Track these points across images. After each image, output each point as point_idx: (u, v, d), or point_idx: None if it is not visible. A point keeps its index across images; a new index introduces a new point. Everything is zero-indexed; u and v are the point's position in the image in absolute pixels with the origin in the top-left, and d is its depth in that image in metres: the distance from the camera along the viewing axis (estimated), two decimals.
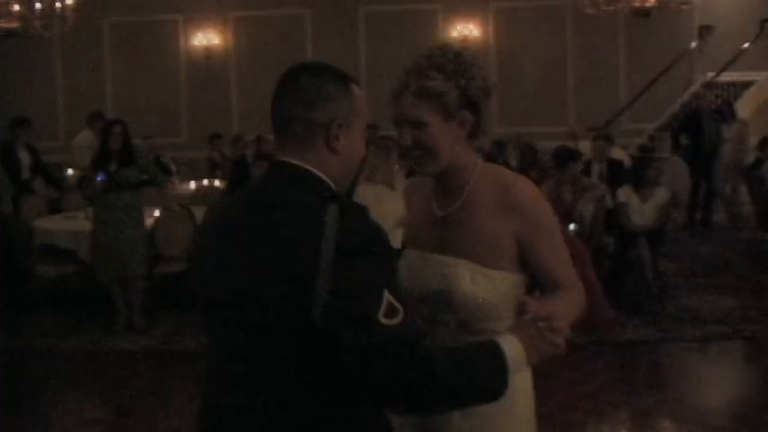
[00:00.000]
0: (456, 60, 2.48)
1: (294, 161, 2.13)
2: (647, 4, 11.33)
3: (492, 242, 2.52)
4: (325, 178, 2.12)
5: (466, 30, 17.91)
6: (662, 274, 9.24)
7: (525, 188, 2.55)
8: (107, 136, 8.22)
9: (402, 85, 2.50)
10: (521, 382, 2.57)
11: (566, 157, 8.44)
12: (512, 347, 2.17)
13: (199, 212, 8.64)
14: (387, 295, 1.94)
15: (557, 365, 6.79)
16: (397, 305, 1.96)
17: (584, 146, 11.38)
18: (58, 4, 12.79)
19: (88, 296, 9.15)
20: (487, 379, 2.12)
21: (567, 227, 8.18)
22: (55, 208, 10.80)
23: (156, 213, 8.84)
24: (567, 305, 2.51)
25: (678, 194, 12.34)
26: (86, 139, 11.68)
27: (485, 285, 2.49)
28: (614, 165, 10.18)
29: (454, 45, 2.61)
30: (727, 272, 10.30)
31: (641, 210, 8.83)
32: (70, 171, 13.01)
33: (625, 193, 8.97)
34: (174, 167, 13.96)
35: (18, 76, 17.92)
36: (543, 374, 6.54)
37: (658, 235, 9.00)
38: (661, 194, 8.94)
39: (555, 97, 17.98)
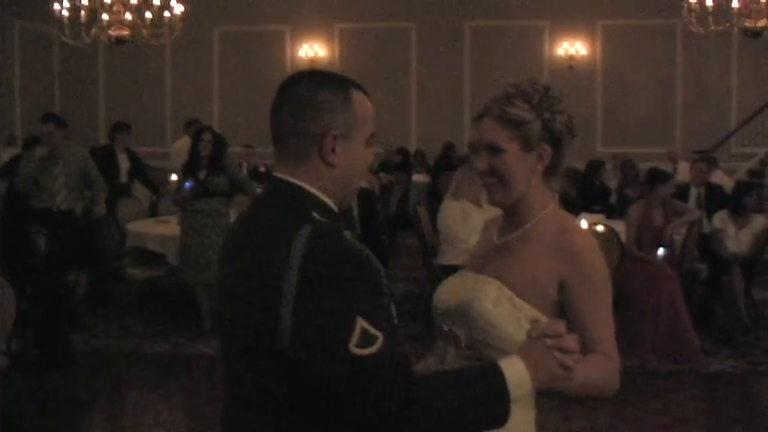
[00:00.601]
0: (544, 93, 2.43)
1: (285, 176, 2.07)
2: (759, 25, 10.90)
3: (535, 280, 2.39)
4: (315, 193, 2.05)
5: (572, 48, 17.71)
6: (757, 304, 8.88)
7: (584, 238, 2.45)
8: (197, 143, 8.35)
9: (485, 108, 2.44)
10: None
11: (653, 178, 8.19)
12: (514, 369, 2.01)
13: None
14: (360, 323, 1.84)
15: (635, 393, 6.71)
16: (374, 331, 1.85)
17: (685, 168, 11.08)
18: (166, 14, 13.04)
19: (175, 300, 9.31)
20: (485, 404, 1.97)
21: (656, 251, 7.97)
22: (154, 212, 11.01)
23: None
24: (594, 365, 2.30)
25: None
26: (184, 144, 11.88)
27: (507, 310, 2.34)
28: (713, 189, 9.86)
29: (544, 82, 2.51)
30: None
31: (737, 237, 8.55)
32: (174, 176, 13.24)
33: (721, 219, 8.69)
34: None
35: (129, 81, 18.43)
36: (618, 402, 6.41)
37: (754, 264, 8.68)
38: (759, 222, 8.63)
39: (662, 118, 17.56)
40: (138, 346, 8.16)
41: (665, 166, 11.58)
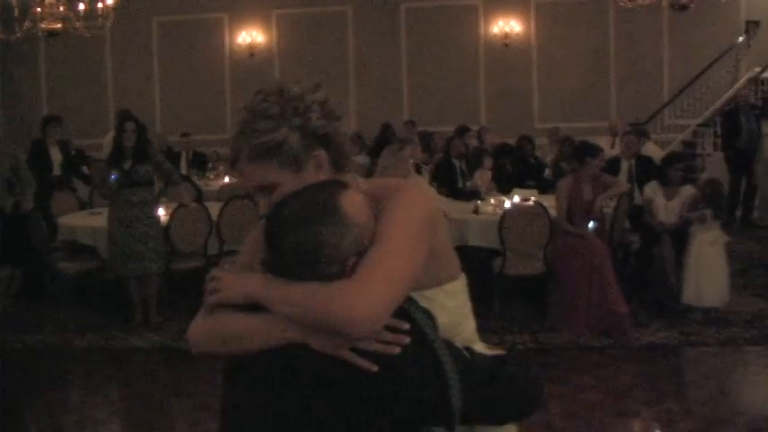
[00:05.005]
0: (282, 100, 2.10)
1: None
2: None
3: None
4: None
5: (507, 26, 17.79)
6: None
7: (397, 194, 2.10)
8: (120, 133, 8.23)
9: (236, 150, 2.15)
10: None
11: (583, 152, 8.22)
12: None
13: (216, 209, 8.78)
14: None
15: (567, 368, 6.72)
16: None
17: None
18: (99, 5, 13.00)
19: (106, 292, 9.24)
20: None
21: (587, 225, 8.00)
22: (93, 204, 10.89)
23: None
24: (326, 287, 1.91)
25: None
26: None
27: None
28: (644, 161, 9.92)
29: (276, 84, 2.16)
30: (762, 272, 9.98)
31: (666, 208, 8.59)
32: None
33: (651, 190, 8.74)
34: (210, 164, 14.16)
35: (70, 73, 18.39)
36: (551, 379, 6.38)
37: (684, 234, 8.72)
38: (688, 192, 8.66)
39: (597, 92, 17.70)
40: (70, 341, 8.09)
41: (604, 139, 11.69)
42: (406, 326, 1.90)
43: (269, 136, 2.07)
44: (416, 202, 2.08)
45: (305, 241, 1.87)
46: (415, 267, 1.98)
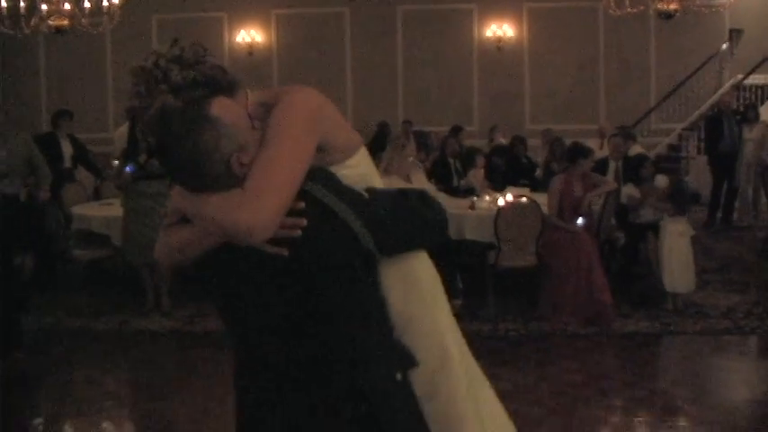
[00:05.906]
0: (144, 75, 2.26)
1: None
2: (671, 7, 11.53)
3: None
4: None
5: (500, 30, 18.25)
6: None
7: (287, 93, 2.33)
8: (134, 127, 8.61)
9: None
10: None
11: (576, 153, 8.66)
12: None
13: None
14: None
15: (556, 353, 7.17)
16: None
17: None
18: (105, 3, 13.23)
19: (119, 279, 9.61)
20: None
21: (576, 220, 8.45)
22: (98, 195, 11.23)
23: None
24: (222, 198, 2.14)
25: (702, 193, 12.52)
26: (126, 130, 12.10)
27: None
28: (630, 162, 10.35)
29: (137, 63, 2.32)
30: (738, 269, 10.46)
31: (644, 205, 9.05)
32: (116, 162, 13.40)
33: (629, 190, 9.21)
34: None
35: (70, 70, 18.67)
36: (540, 363, 6.80)
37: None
38: (661, 183, 9.05)
39: (586, 96, 18.18)
40: (85, 324, 8.42)
41: (593, 141, 12.12)
42: (301, 204, 2.17)
43: (149, 112, 2.22)
44: (299, 101, 2.29)
45: (185, 155, 2.10)
46: (301, 166, 2.18)
